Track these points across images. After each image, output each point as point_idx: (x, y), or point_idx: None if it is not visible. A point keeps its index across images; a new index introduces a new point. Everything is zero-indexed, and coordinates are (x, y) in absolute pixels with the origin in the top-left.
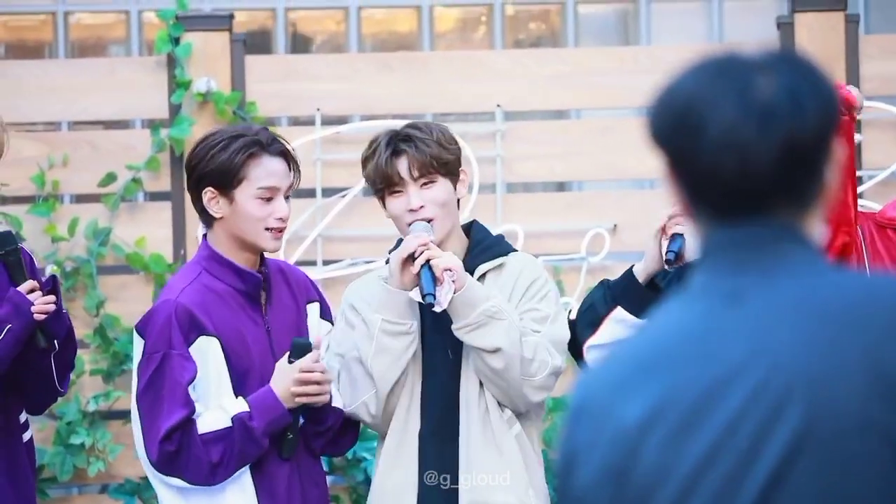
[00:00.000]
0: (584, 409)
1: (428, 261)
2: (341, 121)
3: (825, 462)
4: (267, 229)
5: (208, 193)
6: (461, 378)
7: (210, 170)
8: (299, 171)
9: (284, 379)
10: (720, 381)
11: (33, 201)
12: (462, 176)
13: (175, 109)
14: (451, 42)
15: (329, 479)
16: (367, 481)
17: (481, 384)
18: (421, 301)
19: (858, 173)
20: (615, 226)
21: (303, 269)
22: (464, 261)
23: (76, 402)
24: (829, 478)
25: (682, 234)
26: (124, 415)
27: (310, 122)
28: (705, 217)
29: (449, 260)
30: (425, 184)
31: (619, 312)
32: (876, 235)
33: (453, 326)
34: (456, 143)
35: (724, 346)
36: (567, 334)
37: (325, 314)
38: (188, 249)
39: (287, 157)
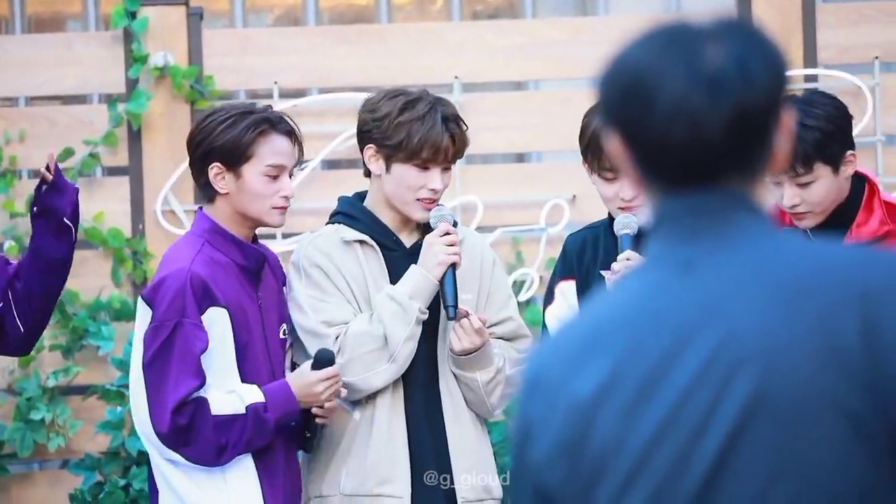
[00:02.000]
0: (538, 382)
1: (454, 266)
2: (299, 94)
3: (777, 431)
4: (273, 207)
5: (214, 169)
6: (438, 367)
7: (218, 145)
8: (302, 150)
9: (304, 379)
10: (672, 352)
11: None
12: None
13: (132, 84)
14: (408, 14)
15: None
16: None
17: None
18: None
19: None
20: (574, 196)
21: (263, 241)
22: (422, 235)
23: (36, 377)
24: (781, 446)
25: (627, 234)
26: (83, 390)
27: (267, 95)
28: (657, 187)
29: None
30: (445, 168)
31: (568, 284)
32: None
33: (458, 359)
34: None
35: (676, 315)
36: (528, 333)
37: None
38: (146, 224)
39: (293, 136)
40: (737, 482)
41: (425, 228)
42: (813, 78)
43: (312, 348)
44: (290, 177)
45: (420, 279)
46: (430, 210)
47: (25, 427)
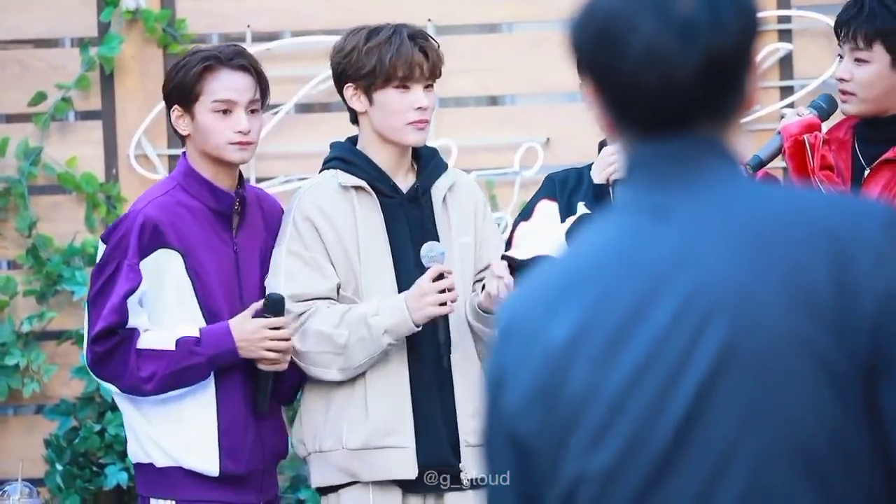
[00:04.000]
0: (512, 329)
1: (445, 318)
2: (272, 37)
3: (750, 378)
4: (228, 143)
5: (175, 111)
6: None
7: (172, 87)
8: (267, 86)
9: (246, 325)
10: (645, 298)
11: None
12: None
13: (104, 28)
14: None
15: None
16: None
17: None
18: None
19: (790, 82)
20: (548, 139)
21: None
22: (418, 178)
23: (10, 323)
24: (754, 391)
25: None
26: (58, 335)
27: (240, 39)
28: (629, 133)
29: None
30: (427, 86)
31: (550, 203)
32: None
33: (484, 315)
34: None
35: (648, 262)
36: None
37: None
38: (119, 168)
39: (250, 71)
40: (710, 430)
41: (418, 170)
42: (786, 19)
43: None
44: (253, 113)
45: (401, 320)
46: (422, 131)
47: (0, 373)
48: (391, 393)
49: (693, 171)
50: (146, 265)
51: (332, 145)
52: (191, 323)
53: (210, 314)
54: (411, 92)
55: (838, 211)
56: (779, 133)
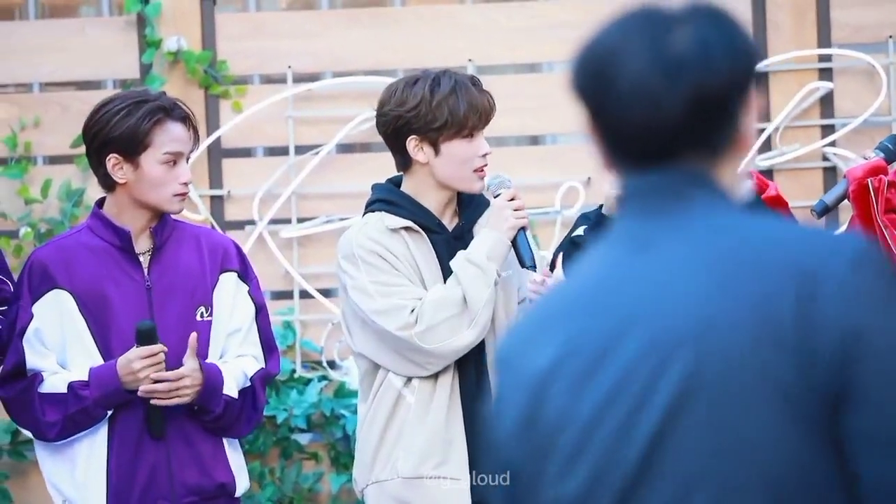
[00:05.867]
0: (504, 360)
1: (524, 228)
2: (313, 78)
3: (714, 406)
4: (173, 194)
5: (112, 160)
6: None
7: (115, 136)
8: (198, 135)
9: (124, 357)
10: (619, 329)
11: (5, 163)
12: None
13: (146, 69)
14: None
15: (307, 436)
16: (346, 438)
17: None
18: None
19: (831, 121)
20: (589, 178)
21: (277, 227)
22: (461, 217)
23: None
24: (718, 422)
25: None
26: None
27: (281, 79)
28: (621, 166)
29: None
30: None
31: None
32: None
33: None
34: None
35: (626, 292)
36: None
37: (254, 289)
38: None
39: (188, 121)
40: (673, 459)
41: (462, 215)
42: (827, 58)
43: (389, 326)
44: (187, 161)
45: (495, 241)
46: (483, 178)
47: None
48: (444, 421)
49: (677, 203)
50: (40, 306)
51: (374, 188)
52: (90, 363)
53: (110, 353)
54: (476, 140)
55: (811, 244)
56: (845, 177)
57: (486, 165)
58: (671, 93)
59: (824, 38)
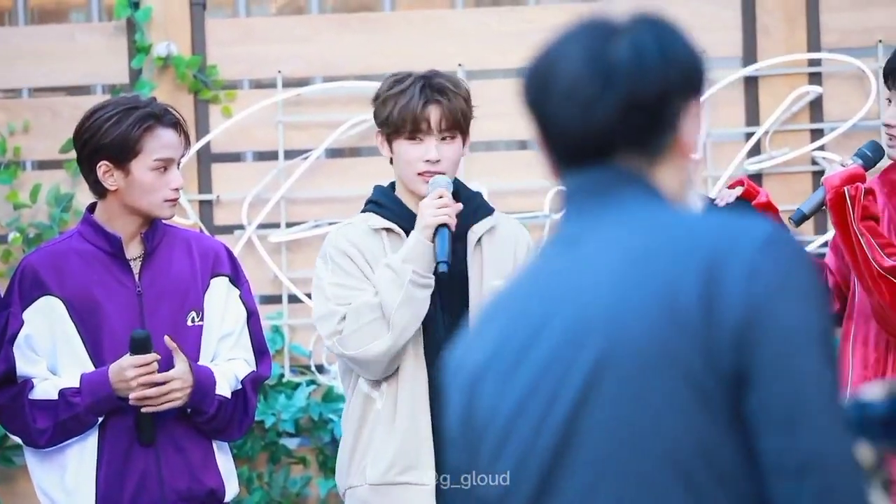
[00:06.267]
0: (450, 362)
1: (446, 225)
2: (302, 83)
3: (622, 391)
4: (164, 200)
5: (103, 167)
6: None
7: (105, 143)
8: (189, 140)
9: (117, 364)
10: (540, 324)
11: None
12: (468, 137)
13: (136, 74)
14: (411, 2)
15: (295, 441)
16: (334, 442)
17: None
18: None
19: (820, 125)
20: None
21: (266, 231)
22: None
23: None
24: (625, 406)
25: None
26: None
27: (271, 84)
28: (561, 167)
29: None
30: (444, 138)
31: None
32: None
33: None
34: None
35: (550, 289)
36: None
37: (245, 293)
38: None
39: (178, 127)
40: (584, 445)
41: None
42: (816, 62)
43: (322, 331)
44: (178, 167)
45: (414, 242)
46: (426, 182)
47: None
48: (411, 427)
49: (606, 200)
50: (31, 312)
51: (374, 188)
52: (81, 369)
53: (100, 359)
54: (423, 144)
55: (724, 230)
56: (822, 185)
57: (434, 173)
58: (605, 96)
59: (814, 43)
